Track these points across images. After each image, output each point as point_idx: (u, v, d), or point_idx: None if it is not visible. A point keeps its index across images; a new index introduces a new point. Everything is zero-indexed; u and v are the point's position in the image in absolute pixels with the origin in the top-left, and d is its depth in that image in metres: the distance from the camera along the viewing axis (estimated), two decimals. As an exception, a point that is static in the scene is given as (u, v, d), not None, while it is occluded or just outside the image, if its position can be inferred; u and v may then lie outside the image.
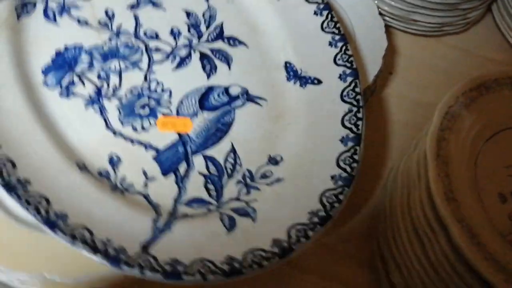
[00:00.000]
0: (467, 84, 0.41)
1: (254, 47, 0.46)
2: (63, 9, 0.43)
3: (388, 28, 0.58)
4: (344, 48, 0.44)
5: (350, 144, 0.39)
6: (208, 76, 0.43)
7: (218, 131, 0.40)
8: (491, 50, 0.62)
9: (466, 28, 0.62)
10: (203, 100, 0.42)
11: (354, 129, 0.40)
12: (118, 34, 0.43)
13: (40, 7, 0.42)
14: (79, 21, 0.43)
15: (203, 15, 0.46)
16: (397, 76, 0.57)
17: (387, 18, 0.58)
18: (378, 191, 0.49)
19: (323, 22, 0.46)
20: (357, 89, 0.42)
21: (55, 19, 0.42)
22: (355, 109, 0.41)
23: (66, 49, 0.41)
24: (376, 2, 0.56)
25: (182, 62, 0.43)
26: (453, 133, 0.39)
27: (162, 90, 0.41)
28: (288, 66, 0.45)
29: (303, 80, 0.44)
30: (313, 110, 0.42)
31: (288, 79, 0.44)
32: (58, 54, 0.40)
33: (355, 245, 0.46)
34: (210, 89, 0.42)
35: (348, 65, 0.43)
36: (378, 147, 0.52)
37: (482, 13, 0.61)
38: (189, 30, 0.45)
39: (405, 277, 0.38)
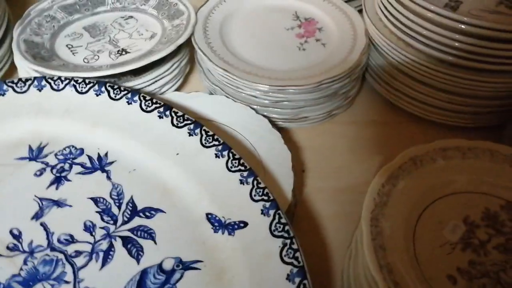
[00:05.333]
0: (383, 173, 0.43)
1: (171, 209, 0.46)
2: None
3: (283, 130, 0.61)
4: (255, 182, 0.45)
5: (297, 279, 0.39)
6: (138, 260, 0.42)
7: None
8: (379, 113, 0.66)
9: (351, 103, 0.66)
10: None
11: (295, 262, 0.40)
12: (32, 253, 0.41)
13: None
14: (-14, 256, 0.40)
15: (111, 195, 0.46)
16: (310, 171, 0.59)
17: (279, 123, 0.60)
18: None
19: (227, 162, 0.47)
20: (283, 220, 0.43)
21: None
22: (288, 241, 0.41)
23: (-19, 292, 0.38)
24: (265, 113, 0.58)
25: (106, 257, 0.42)
26: (385, 219, 0.40)
27: (96, 297, 0.39)
28: (210, 217, 0.45)
29: (230, 228, 0.44)
30: (250, 254, 0.42)
31: (215, 230, 0.44)
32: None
33: None
34: (144, 273, 0.41)
35: (266, 198, 0.44)
36: (321, 254, 0.52)
37: (359, 86, 0.66)
38: (102, 218, 0.44)
39: None
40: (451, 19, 0.52)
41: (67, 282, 0.40)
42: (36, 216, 0.43)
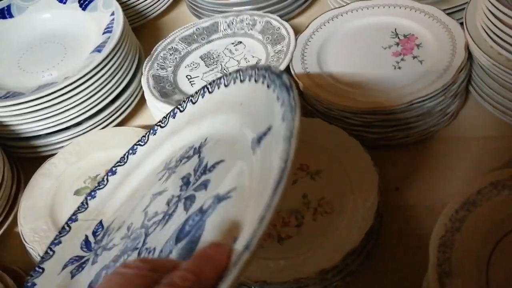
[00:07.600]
0: (458, 198, 0.43)
1: (230, 156, 0.45)
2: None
3: (378, 148, 0.60)
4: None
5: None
6: (187, 210, 0.43)
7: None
8: (484, 128, 0.62)
9: (453, 118, 0.63)
10: (180, 233, 0.41)
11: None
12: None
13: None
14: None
15: (194, 168, 0.48)
16: (405, 189, 0.58)
17: (373, 142, 0.61)
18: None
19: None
20: None
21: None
22: None
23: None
24: (357, 134, 0.59)
25: (168, 219, 0.44)
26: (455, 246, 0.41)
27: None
28: (252, 141, 0.42)
29: (259, 141, 0.41)
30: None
31: (254, 153, 0.41)
32: None
33: None
34: (186, 220, 0.41)
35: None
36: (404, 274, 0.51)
37: (461, 101, 0.64)
38: (180, 190, 0.47)
39: None
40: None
41: (136, 248, 0.44)
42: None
